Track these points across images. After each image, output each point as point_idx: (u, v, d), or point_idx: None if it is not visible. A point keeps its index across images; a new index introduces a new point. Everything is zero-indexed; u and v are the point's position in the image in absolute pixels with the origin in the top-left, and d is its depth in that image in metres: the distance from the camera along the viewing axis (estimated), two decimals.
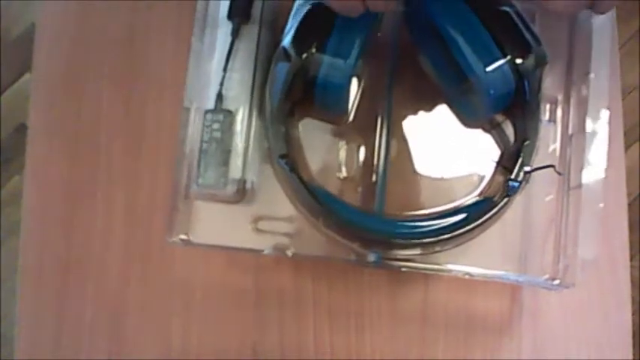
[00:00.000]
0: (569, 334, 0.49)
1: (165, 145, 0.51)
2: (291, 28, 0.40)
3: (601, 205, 0.42)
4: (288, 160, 0.41)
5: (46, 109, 0.53)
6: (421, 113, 0.47)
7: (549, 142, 0.46)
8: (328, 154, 0.46)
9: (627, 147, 1.19)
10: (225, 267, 0.50)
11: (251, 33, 0.45)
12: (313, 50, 0.40)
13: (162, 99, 0.52)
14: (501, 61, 0.40)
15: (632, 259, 0.50)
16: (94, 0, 0.53)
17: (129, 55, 0.53)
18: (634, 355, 0.49)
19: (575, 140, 0.45)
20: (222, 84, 0.44)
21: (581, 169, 0.43)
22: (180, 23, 0.53)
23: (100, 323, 0.49)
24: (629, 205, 0.51)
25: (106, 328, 0.49)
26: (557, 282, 0.44)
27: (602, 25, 0.44)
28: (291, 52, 0.40)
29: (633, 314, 0.49)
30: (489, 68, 0.39)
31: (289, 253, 0.44)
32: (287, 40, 0.40)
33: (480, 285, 0.49)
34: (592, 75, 0.44)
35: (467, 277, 0.44)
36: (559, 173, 0.45)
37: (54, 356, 0.49)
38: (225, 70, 0.44)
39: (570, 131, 0.46)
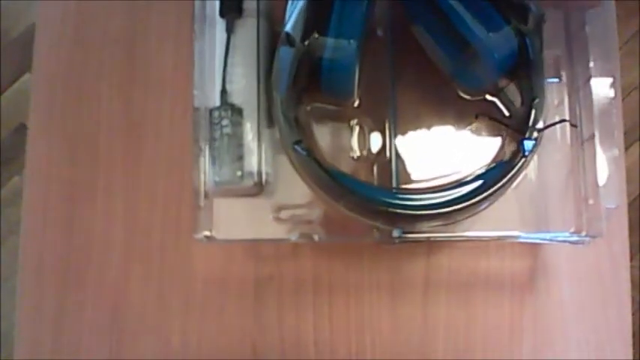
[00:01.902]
0: (569, 334, 0.49)
1: (165, 144, 0.51)
2: (291, 14, 0.41)
3: (617, 152, 0.42)
4: (302, 145, 0.41)
5: (46, 109, 0.53)
6: (426, 88, 0.47)
7: (555, 98, 0.47)
8: (339, 137, 0.47)
9: (627, 147, 1.19)
10: (225, 266, 0.50)
11: (248, 26, 0.45)
12: (316, 35, 0.40)
13: (163, 99, 0.52)
14: (502, 23, 0.40)
15: (632, 259, 0.50)
16: (94, 0, 0.53)
17: (129, 55, 0.53)
18: (634, 355, 0.49)
19: (583, 92, 0.45)
20: (224, 80, 0.44)
21: (592, 119, 0.43)
22: (180, 23, 0.53)
23: (100, 323, 0.49)
24: (629, 205, 0.51)
25: (106, 328, 0.49)
26: (583, 234, 0.44)
27: None
28: (295, 38, 0.40)
29: (633, 314, 0.49)
30: (491, 32, 0.40)
31: (316, 238, 0.45)
32: (289, 27, 0.40)
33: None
34: (588, 27, 0.44)
35: (497, 240, 0.44)
36: (574, 126, 0.45)
37: (54, 356, 0.49)
38: (225, 66, 0.44)
39: (576, 85, 0.46)
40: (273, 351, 0.49)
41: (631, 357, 0.49)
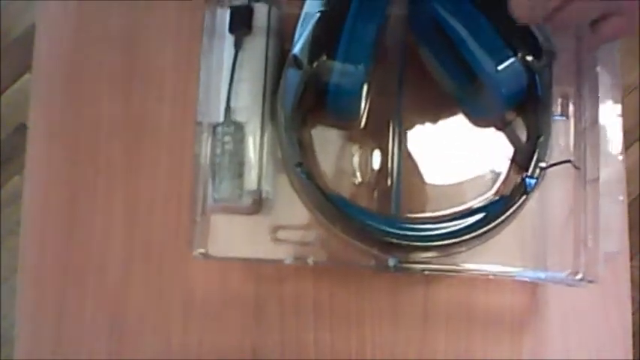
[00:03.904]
0: (569, 334, 0.49)
1: (165, 145, 0.51)
2: (300, 36, 0.41)
3: (621, 197, 0.42)
4: (303, 167, 0.41)
5: (46, 109, 0.53)
6: (432, 116, 0.47)
7: (561, 137, 0.46)
8: (342, 160, 0.46)
9: (627, 147, 1.19)
10: (226, 267, 0.50)
11: (256, 43, 0.45)
12: (324, 58, 0.40)
13: (162, 99, 0.52)
14: (512, 59, 0.40)
15: (632, 259, 0.50)
16: (94, 0, 0.53)
17: (129, 55, 0.53)
18: (634, 355, 0.49)
19: (590, 133, 0.45)
20: (229, 96, 0.44)
21: (598, 161, 0.43)
22: (180, 23, 0.53)
23: (100, 323, 0.49)
24: (629, 205, 0.50)
25: (106, 328, 0.49)
26: (579, 277, 0.43)
27: None
28: (302, 60, 0.40)
29: (633, 314, 0.49)
30: (500, 66, 0.40)
31: (310, 261, 0.44)
32: (297, 49, 0.40)
33: (480, 284, 0.49)
34: (598, 68, 0.44)
35: (491, 276, 0.44)
36: (577, 167, 0.45)
37: (54, 356, 0.49)
38: (231, 82, 0.44)
39: (583, 124, 0.46)
40: (273, 353, 0.49)
41: (631, 357, 0.49)
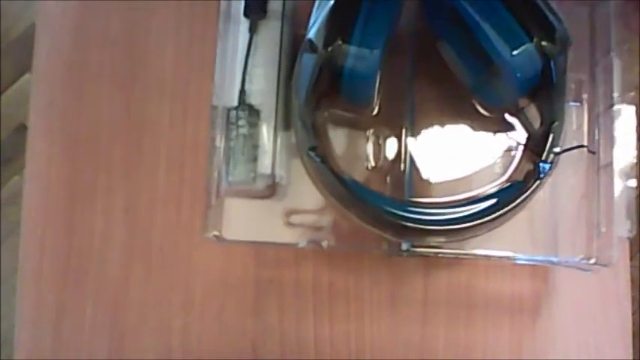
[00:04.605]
0: (569, 334, 0.49)
1: (166, 144, 0.51)
2: (315, 20, 0.40)
3: (633, 181, 0.42)
4: (317, 151, 0.41)
5: (46, 109, 0.53)
6: (445, 101, 0.47)
7: (575, 122, 0.47)
8: (355, 145, 0.46)
9: None
10: (225, 267, 0.50)
11: (270, 28, 0.45)
12: (339, 42, 0.40)
13: (163, 99, 0.52)
14: (527, 44, 0.40)
15: (632, 259, 0.50)
16: (94, 0, 0.53)
17: (129, 55, 0.53)
18: (634, 355, 0.49)
19: (603, 119, 0.45)
20: (243, 80, 0.44)
21: (611, 147, 0.43)
22: (180, 23, 0.53)
23: (100, 323, 0.49)
24: None
25: (106, 328, 0.49)
26: (592, 261, 0.44)
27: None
28: (317, 44, 0.40)
29: (633, 314, 0.49)
30: (516, 51, 0.40)
31: (324, 244, 0.44)
32: (312, 33, 0.40)
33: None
34: (613, 54, 0.44)
35: (505, 261, 0.44)
36: (592, 152, 0.45)
37: (54, 356, 0.49)
38: (245, 66, 0.44)
39: (597, 110, 0.46)
40: (273, 342, 0.49)
41: (631, 357, 0.49)
